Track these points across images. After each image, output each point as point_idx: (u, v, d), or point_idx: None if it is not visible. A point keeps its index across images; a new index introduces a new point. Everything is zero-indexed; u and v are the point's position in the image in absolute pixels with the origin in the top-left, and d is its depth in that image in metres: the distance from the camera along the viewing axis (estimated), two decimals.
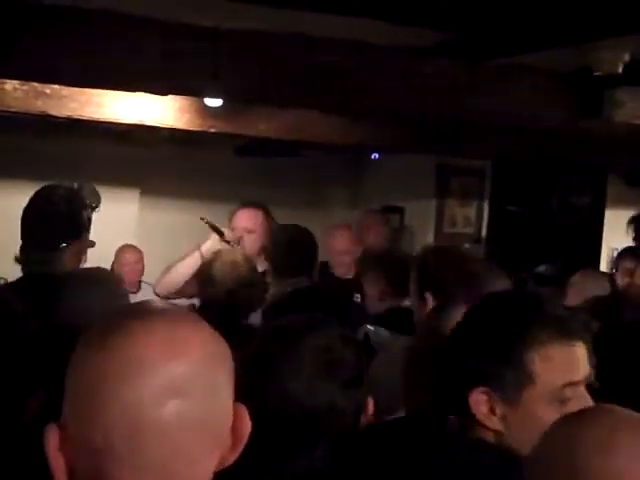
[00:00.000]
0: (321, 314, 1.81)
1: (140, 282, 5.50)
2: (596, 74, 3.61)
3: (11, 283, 2.79)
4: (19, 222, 2.80)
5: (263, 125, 4.99)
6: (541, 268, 5.67)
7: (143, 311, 0.96)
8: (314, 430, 1.58)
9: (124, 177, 6.48)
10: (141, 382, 0.89)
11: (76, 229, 2.81)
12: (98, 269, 2.62)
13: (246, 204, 4.09)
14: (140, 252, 5.60)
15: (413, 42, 3.33)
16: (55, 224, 2.75)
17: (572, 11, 2.86)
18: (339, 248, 4.88)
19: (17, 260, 2.78)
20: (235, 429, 0.98)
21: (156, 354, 0.90)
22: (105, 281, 2.46)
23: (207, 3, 2.75)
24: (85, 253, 2.87)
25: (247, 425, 0.99)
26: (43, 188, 2.86)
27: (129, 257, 5.55)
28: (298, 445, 1.58)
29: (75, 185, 2.89)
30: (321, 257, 4.98)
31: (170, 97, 4.51)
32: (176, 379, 0.90)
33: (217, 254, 3.33)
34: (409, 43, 3.35)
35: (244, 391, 1.47)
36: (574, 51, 3.30)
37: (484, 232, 6.89)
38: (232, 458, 0.99)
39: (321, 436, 1.58)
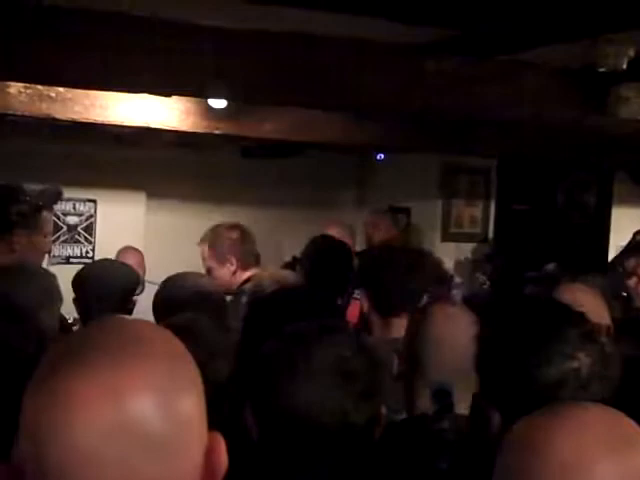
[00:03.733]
0: (334, 321, 1.78)
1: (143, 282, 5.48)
2: (600, 70, 3.60)
3: None
4: None
5: (268, 126, 4.99)
6: (549, 267, 5.66)
7: (86, 349, 0.87)
8: (326, 444, 1.53)
9: (130, 180, 6.49)
10: (84, 423, 0.82)
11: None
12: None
13: None
14: (141, 254, 5.54)
15: (415, 39, 3.32)
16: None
17: (576, 7, 2.85)
18: None
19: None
20: (209, 465, 0.88)
21: (98, 404, 0.82)
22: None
23: (208, 3, 2.74)
24: (15, 250, 2.88)
25: (223, 460, 0.89)
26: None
27: (130, 260, 5.52)
28: (310, 459, 1.54)
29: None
30: None
31: (174, 99, 4.52)
32: (125, 419, 0.83)
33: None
34: (411, 40, 3.34)
35: (252, 402, 1.46)
36: (578, 47, 3.28)
37: (491, 231, 6.88)
38: None
39: (333, 450, 1.54)
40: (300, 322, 1.72)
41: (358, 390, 1.56)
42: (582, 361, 1.58)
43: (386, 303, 2.87)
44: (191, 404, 0.88)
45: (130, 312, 3.24)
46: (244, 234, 3.91)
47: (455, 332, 2.23)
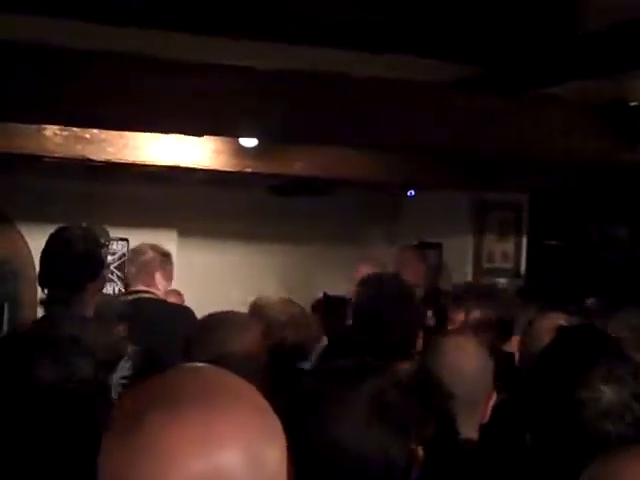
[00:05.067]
0: (371, 358, 1.78)
1: None
2: (632, 104, 3.60)
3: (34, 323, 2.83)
4: None
5: (299, 164, 5.02)
6: (589, 301, 5.61)
7: (174, 398, 0.87)
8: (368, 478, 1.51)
9: (161, 218, 6.54)
10: (176, 476, 0.83)
11: (95, 268, 2.84)
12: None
13: None
14: (182, 300, 5.61)
15: (444, 76, 3.34)
16: (76, 264, 2.78)
17: (604, 41, 2.85)
18: None
19: (41, 302, 2.82)
20: None
21: (187, 449, 0.82)
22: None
23: (237, 44, 2.79)
24: (101, 290, 2.93)
25: None
26: (58, 230, 2.89)
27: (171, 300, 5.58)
28: None
29: (84, 225, 2.95)
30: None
31: (206, 138, 4.57)
32: (216, 471, 0.83)
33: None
34: (440, 77, 3.36)
35: (290, 438, 1.46)
36: (607, 82, 3.28)
37: (523, 267, 6.83)
38: None
39: None
40: (337, 360, 1.73)
41: (397, 425, 1.55)
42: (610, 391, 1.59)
43: None
44: (276, 457, 0.89)
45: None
46: None
47: (464, 361, 2.26)
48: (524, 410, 1.72)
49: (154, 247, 4.18)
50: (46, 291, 2.84)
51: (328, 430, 1.54)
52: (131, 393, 0.92)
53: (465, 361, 2.29)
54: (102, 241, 2.93)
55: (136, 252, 4.21)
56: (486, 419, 2.27)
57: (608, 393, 1.60)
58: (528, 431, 1.68)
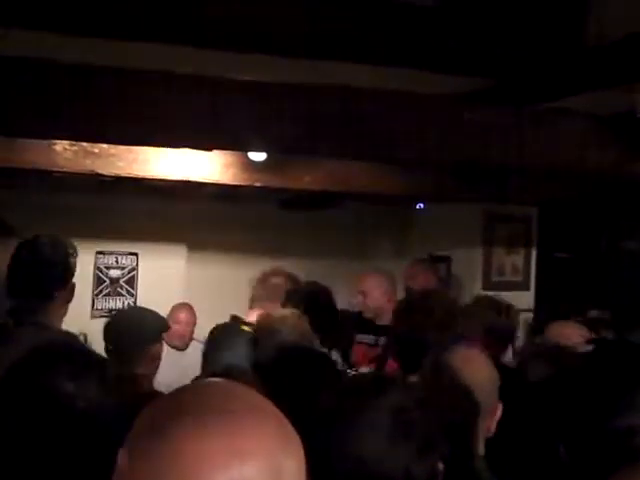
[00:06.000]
0: (389, 373, 1.76)
1: (191, 339, 5.52)
2: (639, 116, 3.59)
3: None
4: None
5: (308, 177, 5.02)
6: (593, 313, 5.60)
7: (198, 410, 0.89)
8: None
9: (171, 233, 6.56)
10: None
11: (65, 276, 2.79)
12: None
13: None
14: (194, 314, 5.64)
15: (453, 89, 3.34)
16: (45, 271, 2.73)
17: (613, 53, 2.85)
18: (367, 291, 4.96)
19: (8, 312, 2.74)
20: None
21: (212, 461, 0.85)
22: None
23: (246, 57, 2.79)
24: (70, 301, 2.85)
25: None
26: (26, 240, 2.85)
27: (183, 317, 5.61)
28: None
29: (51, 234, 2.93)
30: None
31: (215, 152, 4.58)
32: None
33: None
34: (449, 91, 3.36)
35: (313, 454, 1.45)
36: (615, 93, 3.28)
37: (533, 279, 6.81)
38: None
39: None
40: (357, 375, 1.72)
41: (420, 440, 1.55)
42: None
43: None
44: (296, 469, 0.91)
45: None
46: None
47: (473, 374, 2.26)
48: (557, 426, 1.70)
49: (286, 273, 4.43)
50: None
51: (350, 446, 1.53)
52: (154, 405, 0.93)
53: (474, 374, 2.29)
54: (70, 251, 2.86)
55: (268, 275, 4.33)
56: (492, 433, 2.27)
57: None
58: (562, 446, 1.66)
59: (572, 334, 3.37)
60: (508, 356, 3.75)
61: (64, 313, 2.83)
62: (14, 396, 1.58)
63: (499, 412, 2.28)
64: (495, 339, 3.61)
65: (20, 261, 2.77)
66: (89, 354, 1.80)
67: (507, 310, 3.90)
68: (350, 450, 1.52)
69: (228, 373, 2.30)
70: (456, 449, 2.10)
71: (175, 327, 5.41)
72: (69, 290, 2.82)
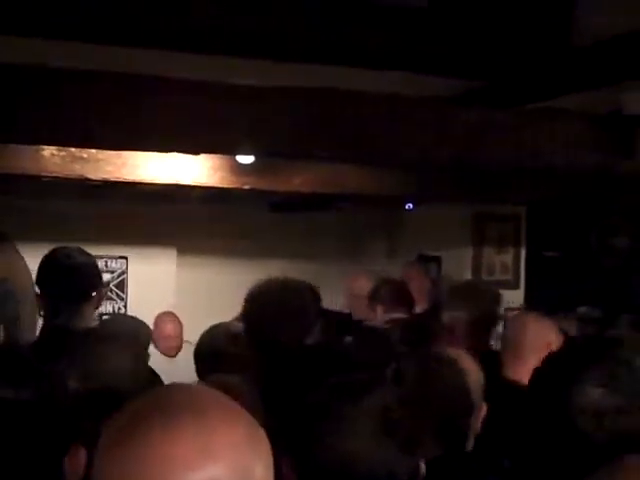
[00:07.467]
0: (374, 373, 1.77)
1: (181, 347, 5.44)
2: (626, 114, 3.61)
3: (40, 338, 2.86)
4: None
5: (297, 180, 5.02)
6: (581, 310, 5.62)
7: (166, 412, 0.90)
8: None
9: (161, 236, 6.55)
10: None
11: (96, 279, 2.96)
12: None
13: None
14: (180, 323, 5.53)
15: (443, 91, 3.35)
16: (80, 274, 2.87)
17: (600, 53, 2.86)
18: (357, 292, 4.99)
19: (41, 315, 2.87)
20: None
21: (184, 462, 0.86)
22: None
23: (236, 61, 2.79)
24: (101, 303, 3.00)
25: None
26: (54, 248, 2.98)
27: (170, 330, 5.45)
28: None
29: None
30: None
31: (203, 156, 4.57)
32: None
33: None
34: (440, 93, 3.37)
35: (297, 453, 1.45)
36: (604, 93, 3.29)
37: (522, 278, 6.83)
38: None
39: None
40: (341, 374, 1.73)
41: (402, 440, 1.55)
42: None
43: None
44: (263, 472, 0.93)
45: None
46: None
47: (466, 375, 2.29)
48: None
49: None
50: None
51: (334, 443, 1.53)
52: (122, 410, 0.94)
53: (467, 375, 2.32)
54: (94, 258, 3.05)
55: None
56: (477, 432, 2.29)
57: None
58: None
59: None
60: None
61: (95, 312, 2.99)
62: None
63: (484, 411, 2.31)
64: (479, 326, 3.66)
65: (56, 266, 2.89)
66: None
67: (492, 295, 3.97)
68: (334, 447, 1.53)
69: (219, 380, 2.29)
70: (451, 448, 2.12)
71: (166, 343, 5.35)
72: (102, 291, 2.98)
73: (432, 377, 2.28)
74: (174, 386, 1.00)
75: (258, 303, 3.00)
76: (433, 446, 2.02)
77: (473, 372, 2.35)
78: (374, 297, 4.78)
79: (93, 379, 2.06)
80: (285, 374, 2.74)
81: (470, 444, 2.26)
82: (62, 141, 3.63)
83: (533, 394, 1.76)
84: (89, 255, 3.00)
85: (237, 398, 0.97)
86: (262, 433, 0.95)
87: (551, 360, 1.76)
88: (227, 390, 1.87)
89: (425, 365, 2.34)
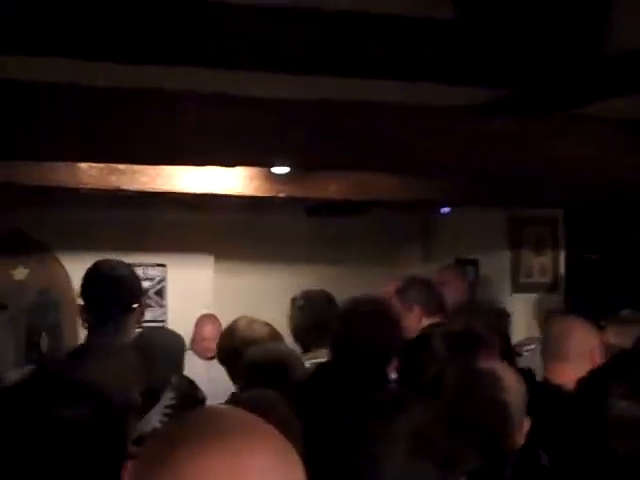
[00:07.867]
0: (409, 391, 1.76)
1: None
2: None
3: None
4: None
5: (332, 187, 5.04)
6: (624, 313, 5.54)
7: (198, 434, 0.91)
8: None
9: (198, 244, 6.60)
10: None
11: (139, 290, 3.04)
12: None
13: None
14: (219, 325, 5.63)
15: (474, 100, 3.33)
16: (125, 286, 2.93)
17: (632, 61, 2.84)
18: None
19: (85, 326, 2.92)
20: None
21: None
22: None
23: (264, 76, 2.81)
24: (143, 315, 3.08)
25: None
26: (97, 261, 3.04)
27: (209, 331, 5.61)
28: None
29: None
30: None
31: None
32: None
33: None
34: (471, 101, 3.35)
35: (331, 474, 1.46)
36: (635, 98, 3.26)
37: (562, 281, 6.77)
38: None
39: None
40: (375, 392, 1.73)
41: (439, 458, 1.54)
42: None
43: None
44: None
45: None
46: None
47: (508, 389, 2.26)
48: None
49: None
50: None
51: (371, 463, 1.53)
52: (155, 435, 0.97)
53: (509, 389, 2.28)
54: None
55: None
56: (520, 445, 2.27)
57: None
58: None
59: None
60: None
61: (139, 322, 3.07)
62: None
63: (527, 426, 2.28)
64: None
65: (100, 278, 2.96)
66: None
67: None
68: (370, 467, 1.52)
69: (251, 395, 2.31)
70: (491, 463, 2.10)
71: (203, 344, 5.46)
72: (143, 304, 3.07)
73: (473, 389, 2.26)
74: (203, 409, 1.04)
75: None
76: (473, 461, 2.01)
77: (515, 386, 2.32)
78: (405, 296, 4.76)
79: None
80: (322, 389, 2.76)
81: (512, 458, 2.23)
82: (98, 158, 3.70)
83: (575, 405, 1.76)
84: (130, 267, 3.08)
85: (271, 414, 0.97)
86: (294, 457, 0.94)
87: (592, 373, 1.76)
88: (263, 405, 1.89)
89: (467, 375, 2.31)
